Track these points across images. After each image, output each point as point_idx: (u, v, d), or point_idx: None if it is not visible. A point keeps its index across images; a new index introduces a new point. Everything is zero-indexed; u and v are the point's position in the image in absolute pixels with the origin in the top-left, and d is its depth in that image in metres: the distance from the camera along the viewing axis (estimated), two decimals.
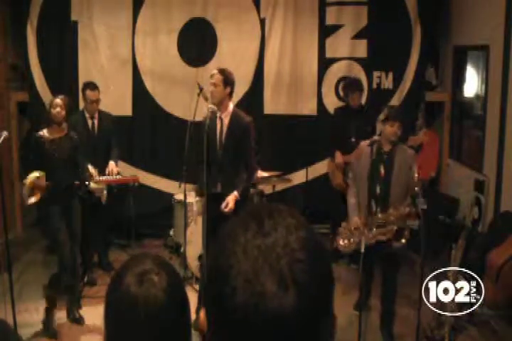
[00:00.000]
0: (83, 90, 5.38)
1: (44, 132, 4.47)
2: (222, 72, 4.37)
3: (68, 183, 4.49)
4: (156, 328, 1.30)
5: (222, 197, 4.37)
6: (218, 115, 4.40)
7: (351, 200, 4.26)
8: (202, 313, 0.87)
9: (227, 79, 4.35)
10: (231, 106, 4.46)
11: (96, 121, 5.44)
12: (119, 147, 5.59)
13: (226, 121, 4.45)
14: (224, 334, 0.79)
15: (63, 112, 4.43)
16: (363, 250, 3.92)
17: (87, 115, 5.42)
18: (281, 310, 0.74)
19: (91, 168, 5.17)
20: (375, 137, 4.05)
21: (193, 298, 4.31)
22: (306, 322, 0.76)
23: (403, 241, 3.92)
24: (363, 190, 4.04)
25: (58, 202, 4.45)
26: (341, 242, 4.16)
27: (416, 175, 3.91)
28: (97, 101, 5.36)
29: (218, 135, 4.45)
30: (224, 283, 0.77)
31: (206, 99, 4.43)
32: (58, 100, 4.44)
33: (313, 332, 0.78)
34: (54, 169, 4.39)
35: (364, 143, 4.20)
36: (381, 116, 4.44)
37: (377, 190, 4.05)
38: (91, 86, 5.34)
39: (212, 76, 4.37)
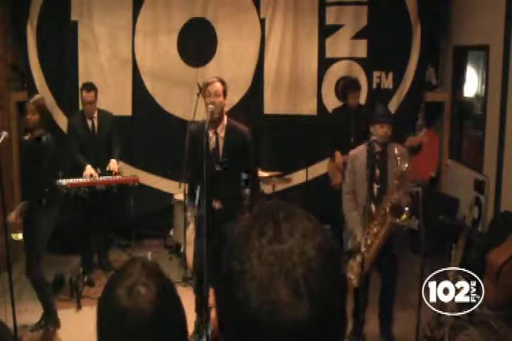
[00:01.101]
0: (80, 91, 5.39)
1: (28, 136, 4.28)
2: (222, 81, 4.12)
3: (32, 193, 4.16)
4: (145, 339, 1.31)
5: (221, 213, 4.06)
6: (212, 130, 4.09)
7: (353, 214, 4.14)
8: (213, 312, 0.86)
9: (226, 89, 4.12)
10: (225, 117, 4.20)
11: (95, 121, 5.44)
12: (120, 146, 5.59)
13: (222, 134, 4.15)
14: (235, 336, 0.79)
15: (34, 117, 4.12)
16: (363, 250, 3.92)
17: (86, 115, 5.42)
18: (295, 319, 0.73)
19: (90, 168, 5.17)
20: (373, 137, 4.04)
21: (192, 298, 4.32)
22: (319, 332, 0.76)
23: (404, 216, 3.82)
24: (361, 195, 4.02)
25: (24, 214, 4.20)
26: (352, 276, 4.11)
27: (406, 167, 3.84)
28: (93, 102, 5.36)
29: (214, 151, 4.13)
30: (237, 287, 0.76)
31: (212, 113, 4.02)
32: (29, 104, 4.17)
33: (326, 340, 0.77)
34: (25, 176, 4.16)
35: (352, 153, 4.22)
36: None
37: (375, 191, 4.05)
38: (87, 87, 5.35)
39: (211, 85, 4.06)
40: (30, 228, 4.24)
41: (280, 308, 0.73)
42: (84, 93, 5.32)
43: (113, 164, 5.33)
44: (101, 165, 5.28)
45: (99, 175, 5.23)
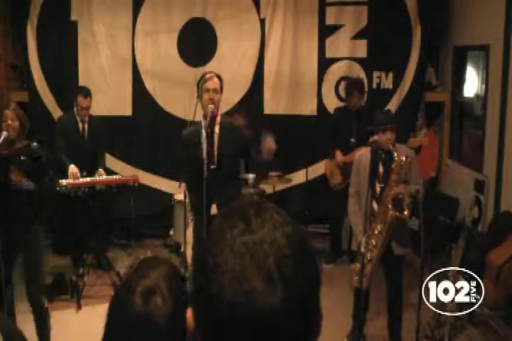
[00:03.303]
0: (75, 95, 5.38)
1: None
2: (219, 76, 4.06)
3: (23, 209, 3.77)
4: None
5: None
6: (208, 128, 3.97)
7: (356, 217, 4.15)
8: (189, 312, 0.87)
9: (223, 85, 4.08)
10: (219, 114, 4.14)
11: (86, 126, 5.48)
12: (104, 156, 5.72)
13: (217, 130, 4.06)
14: (212, 331, 0.79)
15: (15, 124, 3.75)
16: (362, 250, 3.92)
17: (78, 118, 5.43)
18: (270, 306, 0.74)
19: (73, 167, 5.16)
20: (375, 137, 4.04)
21: None
22: (294, 319, 0.77)
23: (406, 213, 3.80)
24: (366, 196, 4.00)
25: (14, 236, 3.75)
26: (356, 278, 4.10)
27: (403, 160, 3.85)
28: (88, 108, 5.41)
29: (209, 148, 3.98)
30: (211, 280, 0.77)
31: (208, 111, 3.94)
32: (7, 111, 3.78)
33: (301, 328, 0.78)
34: (7, 195, 3.69)
35: (358, 153, 4.24)
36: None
37: (378, 189, 4.04)
38: (83, 92, 5.35)
39: (209, 81, 3.99)
40: (37, 251, 3.90)
41: (255, 298, 0.74)
42: (81, 99, 5.32)
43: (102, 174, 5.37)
44: (87, 169, 5.30)
45: (84, 177, 5.24)
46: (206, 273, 0.79)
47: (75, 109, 5.46)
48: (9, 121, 3.73)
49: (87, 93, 5.35)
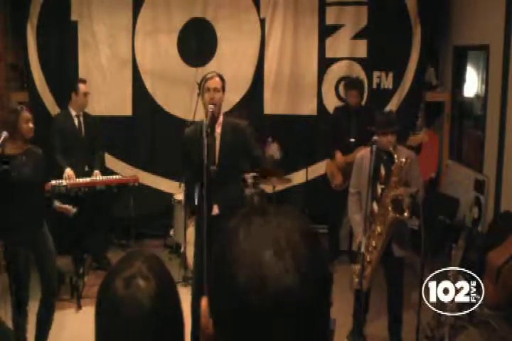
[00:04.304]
0: (75, 86, 5.40)
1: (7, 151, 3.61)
2: (221, 76, 4.03)
3: (34, 210, 3.78)
4: (139, 336, 1.30)
5: (222, 217, 3.89)
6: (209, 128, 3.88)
7: (356, 217, 4.14)
8: (203, 301, 0.88)
9: (225, 85, 4.03)
10: (221, 114, 4.10)
11: (82, 120, 5.47)
12: (103, 151, 5.74)
13: (218, 130, 4.01)
14: (227, 319, 0.82)
15: (32, 126, 3.77)
16: (362, 250, 3.92)
17: (73, 113, 5.42)
18: (283, 293, 0.77)
19: (69, 170, 5.15)
20: (375, 137, 4.03)
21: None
22: (307, 306, 0.79)
23: (406, 214, 3.78)
24: (367, 197, 3.99)
25: (23, 236, 3.72)
26: (356, 279, 4.09)
27: (403, 161, 3.85)
28: (87, 94, 5.43)
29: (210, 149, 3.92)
30: (225, 269, 0.81)
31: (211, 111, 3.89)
32: (28, 114, 3.75)
33: (313, 316, 0.81)
34: (17, 195, 3.65)
35: (359, 154, 4.25)
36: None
37: (379, 190, 4.04)
38: (81, 80, 5.49)
39: (210, 80, 3.96)
40: (48, 251, 3.94)
41: (268, 283, 0.77)
42: (82, 85, 5.39)
43: (98, 175, 5.36)
44: (82, 167, 5.31)
45: (85, 172, 5.28)
46: (221, 264, 0.83)
47: (70, 106, 5.45)
48: (30, 124, 3.74)
49: (83, 80, 5.51)
